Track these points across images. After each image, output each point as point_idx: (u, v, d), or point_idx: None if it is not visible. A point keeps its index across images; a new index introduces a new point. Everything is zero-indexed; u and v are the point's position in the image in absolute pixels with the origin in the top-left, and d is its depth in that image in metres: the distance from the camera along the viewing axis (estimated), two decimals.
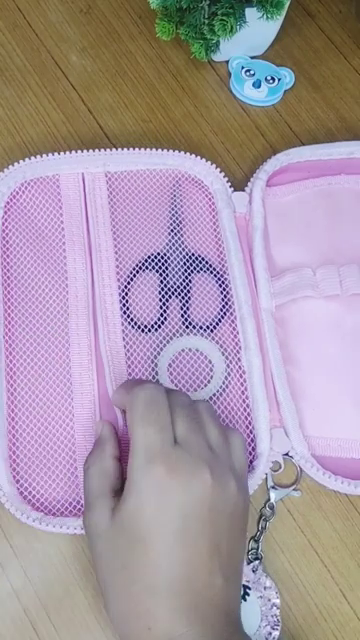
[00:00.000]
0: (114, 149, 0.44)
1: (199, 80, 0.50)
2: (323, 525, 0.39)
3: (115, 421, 0.38)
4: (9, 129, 0.47)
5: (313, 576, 0.38)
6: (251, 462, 0.38)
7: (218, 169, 0.44)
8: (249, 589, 0.37)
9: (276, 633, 0.36)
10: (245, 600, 0.37)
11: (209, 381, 0.40)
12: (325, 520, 0.39)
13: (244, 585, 0.37)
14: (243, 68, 0.50)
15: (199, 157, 0.44)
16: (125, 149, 0.44)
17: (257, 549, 0.38)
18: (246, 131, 0.49)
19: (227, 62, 0.50)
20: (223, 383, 0.40)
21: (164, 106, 0.49)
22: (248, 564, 0.38)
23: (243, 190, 0.44)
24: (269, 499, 0.39)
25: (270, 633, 0.36)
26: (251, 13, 0.43)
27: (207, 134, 0.48)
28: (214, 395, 0.40)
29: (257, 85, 0.49)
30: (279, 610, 0.37)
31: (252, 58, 0.50)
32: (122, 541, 0.30)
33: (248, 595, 0.37)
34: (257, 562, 0.38)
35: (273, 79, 0.49)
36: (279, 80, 0.49)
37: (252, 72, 0.49)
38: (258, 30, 0.46)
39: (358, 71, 0.51)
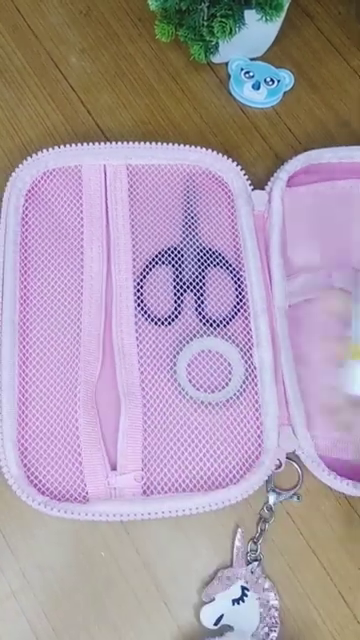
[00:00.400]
0: (137, 142, 0.44)
1: (198, 82, 0.50)
2: (322, 527, 0.39)
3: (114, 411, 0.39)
4: (8, 130, 0.47)
5: (312, 578, 0.38)
6: (257, 458, 0.38)
7: (239, 167, 0.44)
8: (247, 590, 0.37)
9: (274, 635, 0.36)
10: (243, 601, 0.37)
11: (227, 383, 0.40)
12: (324, 522, 0.39)
13: (242, 586, 0.37)
14: (242, 70, 0.50)
15: (220, 154, 0.44)
16: (147, 143, 0.44)
17: (256, 551, 0.38)
18: (245, 132, 0.49)
19: (226, 64, 0.50)
20: (241, 387, 0.40)
21: (163, 108, 0.49)
22: (247, 565, 0.38)
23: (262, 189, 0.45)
24: (268, 501, 0.39)
25: (268, 634, 0.36)
26: (250, 15, 0.43)
27: (206, 136, 0.48)
28: (231, 398, 0.40)
29: (256, 87, 0.49)
30: (278, 612, 0.37)
31: (251, 60, 0.50)
32: None
33: (246, 596, 0.37)
34: (256, 564, 0.38)
35: (272, 81, 0.49)
36: (278, 82, 0.49)
37: (251, 74, 0.50)
38: (257, 32, 0.46)
39: (357, 72, 0.51)
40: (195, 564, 0.38)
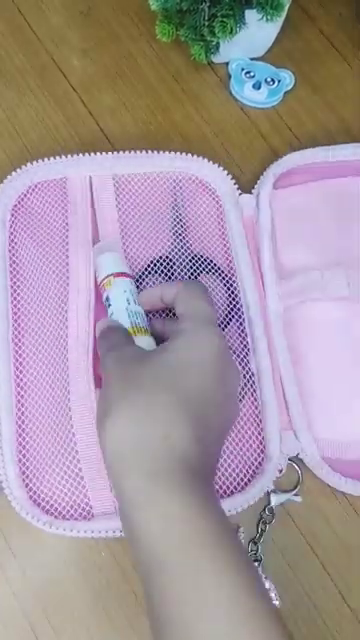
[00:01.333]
0: (121, 152, 0.44)
1: (199, 82, 0.50)
2: (323, 528, 0.39)
3: None
4: (9, 131, 0.47)
5: (313, 578, 0.38)
6: (260, 464, 0.38)
7: (225, 171, 0.44)
8: None
9: None
10: None
11: None
12: (325, 523, 0.39)
13: None
14: (243, 70, 0.50)
15: (206, 159, 0.44)
16: (132, 152, 0.44)
17: (257, 551, 0.38)
18: (246, 133, 0.49)
19: (227, 64, 0.50)
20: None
21: (164, 108, 0.49)
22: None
23: (249, 192, 0.44)
24: (269, 503, 0.39)
25: None
26: (251, 15, 0.43)
27: (207, 136, 0.48)
28: None
29: (257, 87, 0.49)
30: (278, 612, 0.37)
31: (252, 60, 0.50)
32: (153, 366, 0.32)
33: None
34: (256, 564, 0.38)
35: (273, 81, 0.49)
36: (279, 82, 0.49)
37: (252, 74, 0.50)
38: (258, 32, 0.46)
39: (358, 73, 0.51)
40: None
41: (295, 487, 0.39)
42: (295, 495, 0.39)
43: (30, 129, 0.47)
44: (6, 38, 0.50)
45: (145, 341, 0.37)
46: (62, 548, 0.38)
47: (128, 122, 0.48)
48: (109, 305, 0.38)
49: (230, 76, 0.50)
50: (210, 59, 0.48)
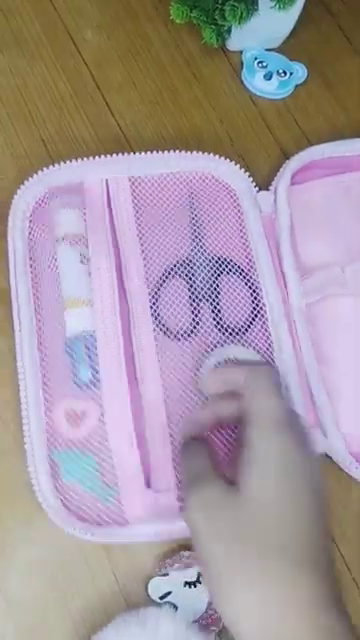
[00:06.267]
0: (137, 153, 0.43)
1: (211, 68, 0.50)
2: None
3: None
4: (16, 97, 0.47)
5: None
6: None
7: (242, 169, 0.44)
8: (199, 582, 0.37)
9: (215, 629, 0.36)
10: (195, 586, 0.37)
11: None
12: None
13: (199, 572, 0.37)
14: (256, 59, 0.49)
15: (223, 157, 0.44)
16: (148, 152, 0.43)
17: None
18: (252, 122, 0.49)
19: (242, 52, 0.50)
20: None
21: (173, 90, 0.49)
22: None
23: (267, 189, 0.44)
24: None
25: (208, 626, 0.36)
26: (265, 3, 0.43)
27: (213, 121, 0.48)
28: None
29: (268, 77, 0.49)
30: None
31: (267, 50, 0.50)
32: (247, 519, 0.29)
33: (200, 583, 0.37)
34: None
35: (285, 73, 0.49)
36: (291, 74, 0.49)
37: (265, 64, 0.49)
38: (274, 22, 0.46)
39: None
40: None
41: None
42: None
43: (37, 97, 0.48)
44: (24, 6, 0.50)
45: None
46: (41, 567, 0.38)
47: (135, 100, 0.48)
48: None
49: (243, 64, 0.49)
50: (221, 44, 0.48)
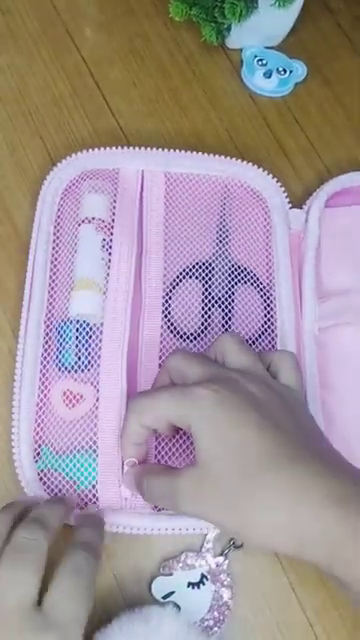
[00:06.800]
0: (176, 150, 0.43)
1: (211, 66, 0.50)
2: None
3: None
4: (15, 96, 0.47)
5: (277, 591, 0.37)
6: None
7: (279, 183, 0.43)
8: (207, 579, 0.37)
9: (217, 630, 0.36)
10: (199, 588, 0.37)
11: None
12: None
13: (203, 574, 0.37)
14: (256, 57, 0.49)
15: (262, 169, 0.43)
16: (187, 151, 0.43)
17: (229, 547, 0.38)
18: (252, 120, 0.49)
19: (241, 50, 0.50)
20: None
21: (173, 88, 0.49)
22: (214, 557, 0.37)
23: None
24: None
25: (212, 627, 0.36)
26: (264, 1, 0.43)
27: (212, 120, 0.48)
28: None
29: (268, 75, 0.49)
30: (229, 611, 0.36)
31: (267, 48, 0.50)
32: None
33: (204, 584, 0.37)
34: (222, 558, 0.37)
35: (285, 70, 0.49)
36: (291, 72, 0.49)
37: (265, 62, 0.49)
38: (274, 20, 0.45)
39: None
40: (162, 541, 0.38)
41: None
42: None
43: (35, 96, 0.47)
44: (23, 4, 0.50)
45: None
46: None
47: (134, 98, 0.48)
48: None
49: (242, 62, 0.49)
50: (221, 42, 0.48)
